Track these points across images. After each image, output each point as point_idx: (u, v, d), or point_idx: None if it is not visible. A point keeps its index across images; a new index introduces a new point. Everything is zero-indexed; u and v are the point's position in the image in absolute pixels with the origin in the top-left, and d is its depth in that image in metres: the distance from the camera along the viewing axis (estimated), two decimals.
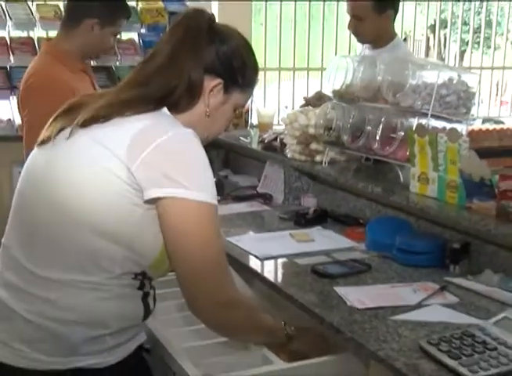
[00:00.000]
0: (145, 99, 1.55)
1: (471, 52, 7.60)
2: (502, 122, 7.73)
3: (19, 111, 3.15)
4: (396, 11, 3.52)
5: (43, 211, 1.53)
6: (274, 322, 1.77)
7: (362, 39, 3.56)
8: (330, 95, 2.89)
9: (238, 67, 1.65)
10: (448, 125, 2.42)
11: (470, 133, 6.81)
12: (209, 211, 1.49)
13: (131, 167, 1.44)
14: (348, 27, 3.56)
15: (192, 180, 1.47)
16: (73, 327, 1.50)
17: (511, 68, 7.51)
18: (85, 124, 1.53)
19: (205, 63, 1.60)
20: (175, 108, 1.59)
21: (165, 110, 1.57)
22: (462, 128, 2.43)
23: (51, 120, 1.62)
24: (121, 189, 1.46)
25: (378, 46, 3.41)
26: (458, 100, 2.43)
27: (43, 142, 1.60)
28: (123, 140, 1.47)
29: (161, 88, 1.57)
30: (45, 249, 1.52)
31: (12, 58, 4.04)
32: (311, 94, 3.99)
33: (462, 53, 9.22)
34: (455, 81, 2.44)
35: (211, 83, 1.62)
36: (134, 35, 4.28)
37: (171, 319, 2.01)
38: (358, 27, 3.47)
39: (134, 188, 1.45)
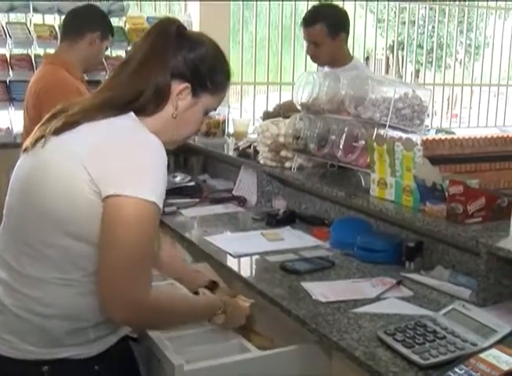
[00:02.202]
0: (112, 103, 1.49)
1: (425, 71, 7.65)
2: (453, 132, 7.80)
3: (27, 117, 3.06)
4: (348, 33, 3.53)
5: (24, 218, 1.49)
6: (206, 299, 1.78)
7: (320, 62, 3.56)
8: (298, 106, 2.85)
9: (206, 73, 1.57)
10: (404, 135, 2.40)
11: (425, 142, 6.88)
12: (147, 210, 1.39)
13: (90, 171, 1.38)
14: (307, 53, 3.59)
15: (139, 182, 1.39)
16: (55, 321, 1.46)
17: (459, 85, 7.53)
18: (57, 131, 1.47)
19: (172, 68, 1.52)
20: (143, 112, 1.52)
21: (131, 114, 1.50)
22: (416, 137, 2.41)
23: (36, 127, 1.56)
24: (88, 194, 1.39)
25: (336, 67, 3.38)
26: (412, 113, 2.41)
27: (26, 150, 1.54)
28: (85, 146, 1.42)
29: (128, 92, 1.50)
30: (28, 251, 1.47)
31: (11, 73, 3.99)
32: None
33: (417, 71, 9.28)
34: (410, 96, 2.42)
35: (179, 87, 1.54)
36: (122, 52, 4.24)
37: None
38: (315, 52, 3.47)
39: (94, 191, 1.39)
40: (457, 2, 7.38)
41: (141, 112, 1.51)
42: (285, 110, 3.31)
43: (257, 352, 1.74)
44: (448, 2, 7.34)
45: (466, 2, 7.37)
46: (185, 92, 1.55)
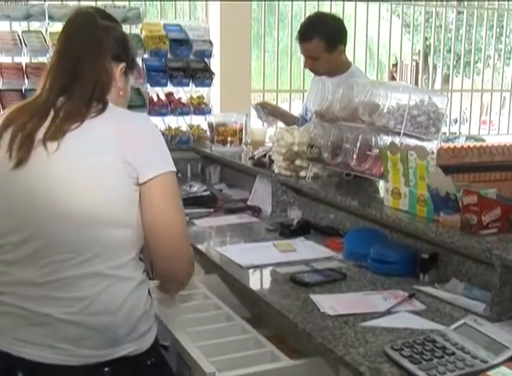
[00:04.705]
0: (89, 103, 1.58)
1: (452, 76, 7.58)
2: (482, 140, 7.71)
3: None
4: (345, 43, 3.49)
5: (53, 228, 1.51)
6: None
7: (319, 74, 3.48)
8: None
9: (130, 49, 1.76)
10: (420, 143, 2.38)
11: (453, 150, 6.77)
12: (175, 179, 1.62)
13: (127, 158, 1.51)
14: (305, 66, 3.57)
15: (165, 155, 1.60)
16: (108, 318, 1.52)
17: (489, 91, 7.44)
18: (58, 136, 1.52)
19: (111, 52, 1.66)
20: (105, 97, 1.63)
21: (110, 104, 1.61)
22: (432, 146, 2.39)
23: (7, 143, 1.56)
24: (125, 182, 1.53)
25: (334, 75, 3.33)
26: (428, 120, 2.39)
27: (20, 164, 1.52)
28: (108, 139, 1.53)
29: (89, 86, 1.59)
30: (66, 257, 1.50)
31: (26, 81, 4.03)
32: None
33: (447, 77, 9.20)
34: (425, 103, 2.40)
35: (119, 67, 1.70)
36: (138, 60, 4.25)
37: (186, 320, 2.03)
38: (313, 66, 3.46)
39: (131, 176, 1.53)
40: (486, 5, 7.30)
41: (104, 97, 1.62)
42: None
43: (288, 362, 1.77)
44: (475, 2, 7.29)
45: (496, 5, 7.29)
46: (122, 71, 1.72)
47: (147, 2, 5.30)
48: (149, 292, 1.65)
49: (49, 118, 1.55)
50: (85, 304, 1.50)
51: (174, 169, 1.61)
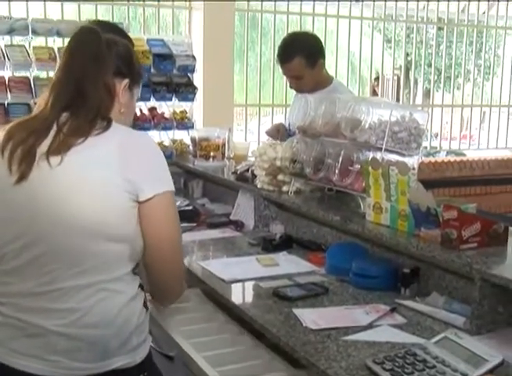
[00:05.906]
0: (94, 121, 1.59)
1: (433, 91, 7.66)
2: (463, 154, 7.79)
3: None
4: (324, 57, 3.54)
5: (53, 238, 1.52)
6: None
7: (305, 91, 3.40)
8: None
9: (134, 64, 1.75)
10: (401, 159, 2.41)
11: (433, 164, 6.82)
12: (173, 198, 1.63)
13: (127, 175, 1.53)
14: (290, 87, 3.60)
15: (165, 175, 1.61)
16: (101, 331, 1.52)
17: (469, 106, 7.54)
18: (61, 151, 1.53)
19: (112, 69, 1.66)
20: (108, 114, 1.64)
21: (112, 122, 1.61)
22: (413, 161, 2.42)
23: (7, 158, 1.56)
24: (124, 198, 1.53)
25: (316, 90, 3.35)
26: (409, 136, 2.42)
27: (22, 179, 1.53)
28: (110, 157, 1.54)
29: (94, 103, 1.60)
30: (64, 267, 1.51)
31: (9, 95, 4.02)
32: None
33: (428, 92, 9.30)
34: (406, 119, 2.44)
35: (122, 83, 1.70)
36: None
37: (191, 330, 2.07)
38: (299, 85, 3.49)
39: (130, 192, 1.53)
40: (466, 21, 7.41)
41: (107, 115, 1.63)
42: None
43: (290, 371, 1.81)
44: (455, 19, 7.38)
45: (475, 22, 7.40)
46: (126, 87, 1.72)
47: (130, 17, 5.32)
48: (145, 304, 1.65)
49: (52, 133, 1.56)
50: (77, 316, 1.51)
51: (173, 189, 1.62)
